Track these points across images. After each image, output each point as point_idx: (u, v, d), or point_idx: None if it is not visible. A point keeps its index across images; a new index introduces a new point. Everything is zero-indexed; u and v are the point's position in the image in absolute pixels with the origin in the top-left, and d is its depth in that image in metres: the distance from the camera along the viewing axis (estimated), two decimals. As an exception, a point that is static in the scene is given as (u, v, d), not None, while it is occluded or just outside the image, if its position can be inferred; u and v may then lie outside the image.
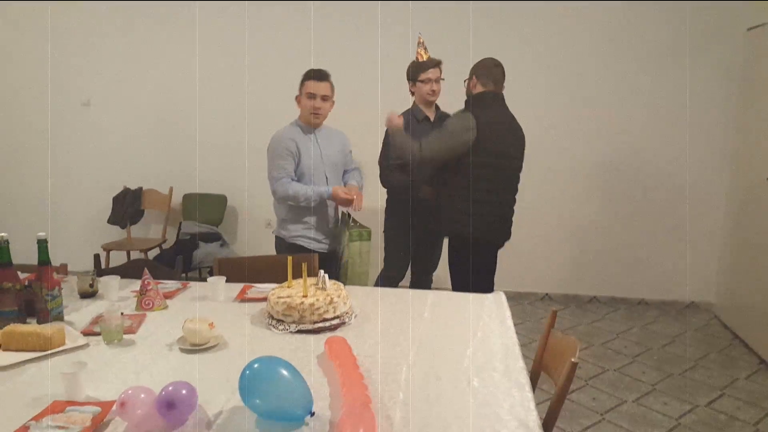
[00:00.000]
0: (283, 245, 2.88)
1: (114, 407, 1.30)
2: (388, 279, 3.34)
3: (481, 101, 2.85)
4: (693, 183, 4.26)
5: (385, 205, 3.35)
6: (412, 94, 3.22)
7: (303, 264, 1.93)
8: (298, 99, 2.79)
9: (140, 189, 4.80)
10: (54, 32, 4.79)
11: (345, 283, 2.47)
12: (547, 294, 4.59)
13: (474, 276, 2.80)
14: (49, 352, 1.65)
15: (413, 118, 3.15)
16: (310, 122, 2.78)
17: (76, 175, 4.99)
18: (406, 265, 3.37)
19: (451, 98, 3.17)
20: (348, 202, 2.72)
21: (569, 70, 4.30)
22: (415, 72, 3.13)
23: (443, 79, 3.16)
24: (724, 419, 2.83)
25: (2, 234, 1.84)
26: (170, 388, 1.28)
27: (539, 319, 4.14)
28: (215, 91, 4.73)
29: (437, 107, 3.26)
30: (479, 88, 2.87)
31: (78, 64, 4.83)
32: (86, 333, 1.80)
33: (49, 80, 4.86)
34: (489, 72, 2.85)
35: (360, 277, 2.80)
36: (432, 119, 3.20)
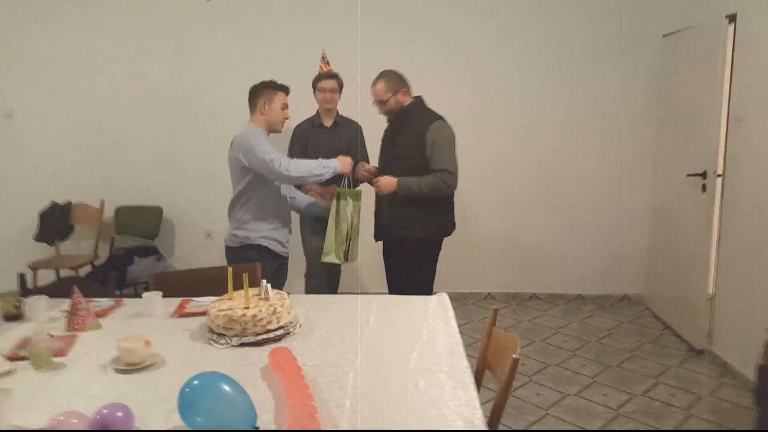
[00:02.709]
0: (245, 248, 2.79)
1: (43, 435, 1.22)
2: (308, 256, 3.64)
3: (424, 107, 3.01)
4: (619, 181, 4.46)
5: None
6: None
7: (244, 274, 1.89)
8: (260, 105, 2.81)
9: (69, 203, 4.57)
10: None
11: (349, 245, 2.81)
12: (489, 293, 4.68)
13: (414, 278, 2.90)
14: (-31, 380, 1.54)
15: (312, 124, 3.63)
16: (276, 130, 2.89)
17: (-3, 191, 4.69)
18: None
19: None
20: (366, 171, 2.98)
21: (495, 78, 4.43)
22: (315, 82, 3.57)
23: (338, 91, 3.56)
24: (659, 406, 2.97)
25: None
26: (104, 411, 1.22)
27: (483, 318, 4.22)
28: (145, 98, 4.56)
29: (337, 113, 3.66)
30: (409, 98, 3.01)
31: (-3, 72, 4.56)
32: (12, 358, 1.69)
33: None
34: (403, 79, 3.02)
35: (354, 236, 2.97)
36: (329, 125, 3.61)
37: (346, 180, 2.96)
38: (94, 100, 4.56)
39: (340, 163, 2.79)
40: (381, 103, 2.99)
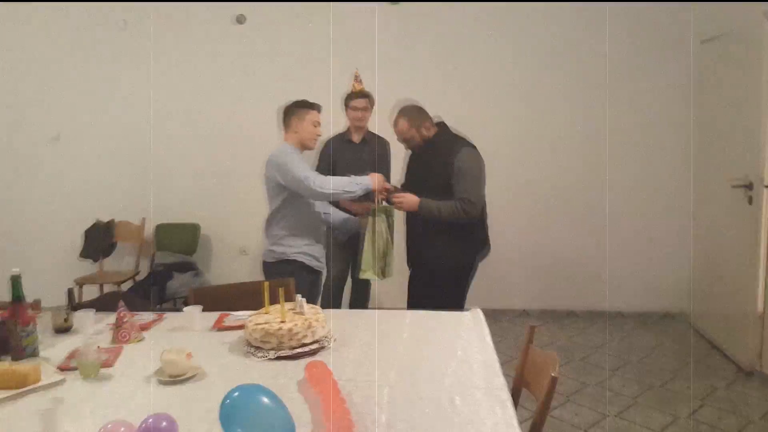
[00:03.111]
0: (282, 263, 2.86)
1: (91, 443, 1.27)
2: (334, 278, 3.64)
3: (449, 134, 3.02)
4: (662, 195, 4.37)
5: None
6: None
7: (280, 289, 1.92)
8: (294, 123, 2.91)
9: (112, 221, 4.73)
10: (20, 65, 4.74)
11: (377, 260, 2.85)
12: (524, 310, 4.62)
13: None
14: (25, 389, 1.60)
15: (341, 140, 3.70)
16: (309, 147, 2.97)
17: (46, 209, 4.89)
18: (346, 266, 3.71)
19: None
20: (383, 189, 2.92)
21: (528, 87, 4.42)
22: (347, 100, 3.65)
23: (369, 109, 3.61)
24: (706, 429, 2.86)
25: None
26: (150, 421, 1.26)
27: (517, 335, 4.16)
28: (185, 119, 4.73)
29: (368, 131, 3.71)
30: (432, 128, 3.01)
31: (45, 98, 4.77)
32: (63, 368, 1.76)
33: (13, 115, 4.80)
34: (423, 111, 3.03)
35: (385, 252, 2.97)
36: (357, 141, 3.67)
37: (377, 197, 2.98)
38: (136, 123, 4.74)
39: (373, 180, 2.83)
40: (406, 140, 3.01)
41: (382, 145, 3.73)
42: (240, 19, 4.48)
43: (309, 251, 2.90)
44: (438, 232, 2.95)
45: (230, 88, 4.66)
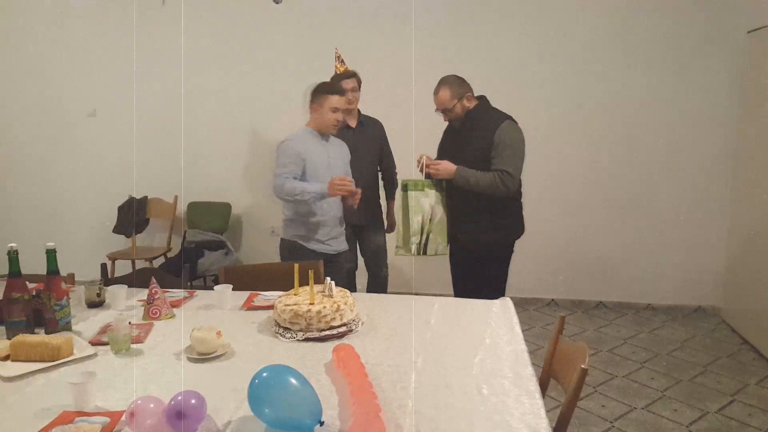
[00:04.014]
0: (285, 246, 3.01)
1: (123, 417, 1.29)
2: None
3: (490, 108, 2.92)
4: (698, 187, 4.24)
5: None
6: None
7: (310, 271, 1.92)
8: (314, 108, 2.94)
9: (145, 198, 4.81)
10: (57, 41, 4.82)
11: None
12: (553, 299, 4.56)
13: (485, 284, 2.82)
14: (58, 362, 1.65)
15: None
16: (329, 132, 2.98)
17: (81, 185, 5.01)
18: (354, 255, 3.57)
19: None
20: (345, 192, 2.75)
21: (569, 74, 4.30)
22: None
23: (357, 89, 3.41)
24: (735, 426, 2.81)
25: (12, 245, 1.85)
26: (179, 397, 1.27)
27: (545, 325, 4.12)
28: (219, 100, 4.75)
29: (359, 113, 3.51)
30: (473, 101, 2.93)
31: (83, 75, 4.86)
32: (94, 343, 1.80)
33: (51, 90, 4.89)
34: (465, 83, 2.93)
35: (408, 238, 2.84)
36: (354, 126, 3.46)
37: (423, 172, 2.86)
38: (171, 101, 4.77)
39: (328, 186, 2.71)
40: (447, 111, 2.91)
41: (379, 127, 3.60)
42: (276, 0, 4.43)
43: (310, 235, 2.93)
44: (477, 210, 2.87)
45: (265, 68, 4.65)
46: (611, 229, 4.41)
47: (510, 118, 2.87)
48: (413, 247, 2.86)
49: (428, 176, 2.87)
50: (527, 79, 4.33)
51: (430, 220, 2.85)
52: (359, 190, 2.81)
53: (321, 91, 2.92)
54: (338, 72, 3.51)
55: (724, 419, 2.87)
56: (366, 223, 3.53)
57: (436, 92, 2.93)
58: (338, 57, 3.54)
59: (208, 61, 4.71)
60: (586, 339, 3.88)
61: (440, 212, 2.88)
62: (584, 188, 4.40)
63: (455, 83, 2.89)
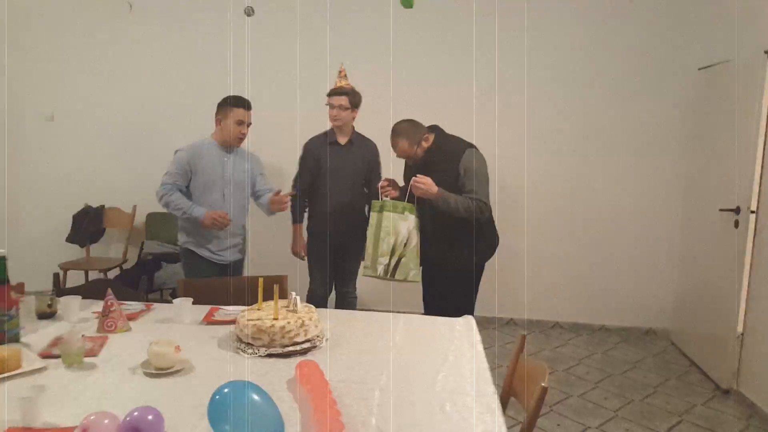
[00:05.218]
0: (182, 253, 3.13)
1: (74, 434, 1.24)
2: (313, 295, 3.45)
3: (447, 138, 2.95)
4: (650, 215, 4.40)
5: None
6: None
7: (275, 286, 1.90)
8: (219, 119, 3.04)
9: (102, 207, 4.67)
10: (15, 45, 4.67)
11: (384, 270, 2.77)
12: (511, 319, 4.63)
13: (454, 304, 2.83)
14: (4, 375, 1.57)
15: (325, 140, 3.42)
16: (233, 144, 3.05)
17: (34, 192, 4.82)
18: (329, 280, 3.52)
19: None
20: (218, 228, 2.97)
21: (525, 105, 4.41)
22: (328, 96, 3.38)
23: (349, 108, 3.33)
24: (683, 445, 2.90)
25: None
26: (135, 413, 1.23)
27: (505, 344, 4.17)
28: (180, 108, 4.67)
29: (353, 131, 3.45)
30: (430, 137, 2.91)
31: (39, 78, 4.71)
32: (44, 356, 1.72)
33: (6, 93, 4.72)
34: (420, 125, 2.93)
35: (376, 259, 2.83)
36: (343, 143, 3.40)
37: (408, 193, 2.84)
38: (130, 109, 4.68)
39: (205, 216, 2.90)
40: (408, 158, 2.94)
41: (370, 148, 3.49)
42: (248, 11, 4.41)
43: (202, 242, 3.03)
44: (453, 233, 2.86)
45: (228, 78, 4.61)
46: (568, 253, 4.53)
47: (471, 145, 2.90)
48: (380, 269, 2.82)
49: (410, 198, 2.85)
50: (485, 107, 4.42)
51: (405, 244, 2.81)
52: (229, 222, 2.96)
53: (226, 102, 2.98)
54: (335, 87, 3.40)
55: (673, 439, 2.95)
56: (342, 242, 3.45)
57: (393, 144, 2.91)
58: (340, 72, 3.44)
59: (171, 70, 4.64)
60: (543, 358, 3.95)
61: (416, 238, 2.84)
62: (540, 213, 4.51)
63: (410, 130, 2.86)
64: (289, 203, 3.10)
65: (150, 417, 1.23)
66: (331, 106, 3.33)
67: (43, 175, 4.80)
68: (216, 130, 3.05)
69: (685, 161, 4.27)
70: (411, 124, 2.89)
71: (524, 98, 4.41)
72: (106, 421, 1.23)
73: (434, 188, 2.75)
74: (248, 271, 3.41)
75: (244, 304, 2.13)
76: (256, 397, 1.27)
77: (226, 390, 1.27)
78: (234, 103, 2.96)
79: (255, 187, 3.21)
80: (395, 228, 2.81)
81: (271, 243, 4.22)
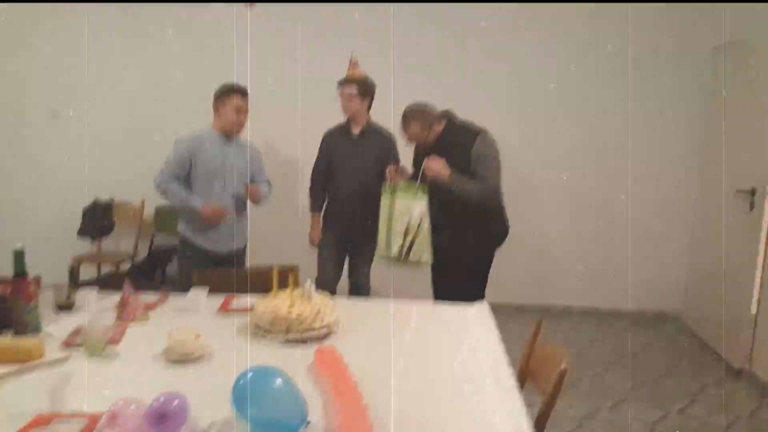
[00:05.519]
0: (180, 241, 3.16)
1: (102, 420, 1.26)
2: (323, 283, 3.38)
3: (459, 125, 2.92)
4: (662, 196, 4.40)
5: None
6: None
7: (290, 274, 1.92)
8: (217, 108, 3.03)
9: (111, 201, 4.70)
10: (21, 42, 4.67)
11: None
12: (521, 305, 4.64)
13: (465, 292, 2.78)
14: (29, 364, 1.59)
15: (340, 132, 3.42)
16: (231, 132, 3.05)
17: (44, 187, 4.85)
18: (339, 267, 3.55)
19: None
20: (215, 222, 3.02)
21: (543, 86, 4.40)
22: (338, 86, 3.33)
23: (359, 97, 3.28)
24: (696, 425, 2.91)
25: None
26: (161, 399, 1.25)
27: (512, 329, 4.17)
28: (188, 101, 4.67)
29: (370, 122, 3.38)
30: (442, 122, 2.89)
31: (46, 74, 4.72)
32: (67, 345, 1.75)
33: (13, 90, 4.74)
34: (431, 109, 2.88)
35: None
36: (356, 133, 3.36)
37: (420, 175, 2.81)
38: (138, 103, 4.68)
39: (203, 208, 2.95)
40: (419, 143, 2.91)
41: (385, 139, 3.40)
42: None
43: (199, 232, 3.06)
44: (463, 219, 2.84)
45: (239, 70, 4.60)
46: (577, 237, 4.53)
47: (484, 130, 2.86)
48: (394, 250, 2.80)
49: (422, 180, 2.82)
50: (498, 88, 4.42)
51: (418, 226, 2.79)
52: (226, 216, 3.02)
53: (223, 91, 2.98)
54: (347, 75, 3.36)
55: (685, 418, 2.97)
56: (355, 234, 3.44)
57: (404, 128, 2.87)
58: (351, 60, 3.38)
59: (179, 63, 4.63)
60: (553, 342, 3.94)
61: (428, 221, 2.81)
62: (551, 195, 4.51)
63: (422, 114, 2.83)
64: (262, 198, 3.18)
65: (176, 402, 1.25)
66: (341, 96, 3.30)
67: (53, 170, 4.81)
68: (215, 119, 3.05)
69: (700, 142, 4.24)
70: (421, 107, 2.86)
71: (536, 81, 4.40)
72: (132, 407, 1.24)
73: (447, 171, 2.73)
74: (250, 260, 3.38)
75: (256, 294, 2.14)
76: (279, 381, 1.29)
77: (249, 375, 1.28)
78: (230, 91, 2.96)
79: (253, 177, 3.20)
80: (408, 210, 2.79)
81: (272, 233, 4.24)
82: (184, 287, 2.41)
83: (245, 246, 3.28)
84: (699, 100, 4.22)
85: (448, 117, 2.94)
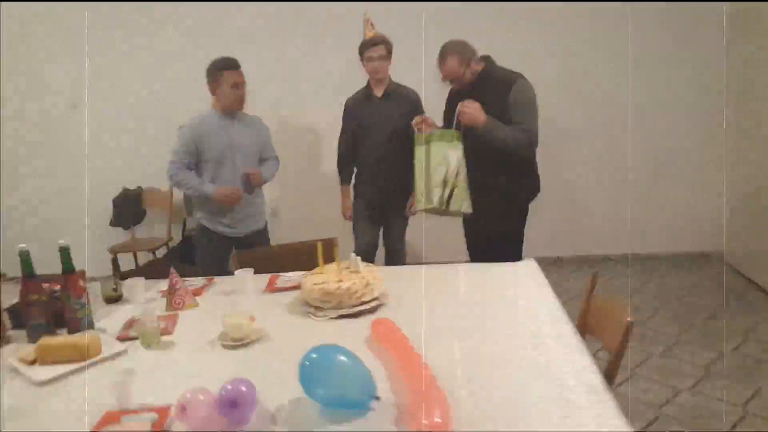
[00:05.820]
0: (197, 228, 3.09)
1: (173, 412, 1.26)
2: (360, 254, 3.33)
3: (498, 68, 2.79)
4: (696, 134, 4.26)
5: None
6: None
7: (334, 248, 1.89)
8: (213, 87, 2.89)
9: (140, 189, 4.71)
10: (39, 31, 4.61)
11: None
12: (558, 257, 4.58)
13: (502, 248, 2.69)
14: (88, 362, 1.60)
15: (363, 96, 3.29)
16: (233, 109, 2.91)
17: (70, 180, 4.86)
18: (375, 234, 3.46)
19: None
20: (230, 203, 2.92)
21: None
22: (361, 50, 3.18)
23: (388, 56, 3.16)
24: (751, 362, 2.86)
25: (22, 246, 1.78)
26: (229, 386, 1.24)
27: (554, 282, 4.13)
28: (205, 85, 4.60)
29: (392, 82, 3.27)
30: (480, 63, 2.77)
31: (63, 66, 4.66)
32: (122, 339, 1.75)
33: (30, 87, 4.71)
34: (471, 46, 2.76)
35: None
36: (380, 95, 3.24)
37: (455, 121, 2.69)
38: (158, 88, 4.63)
39: (217, 192, 2.86)
40: (455, 79, 2.76)
41: (409, 98, 3.28)
42: None
43: (215, 218, 2.98)
44: (497, 169, 2.73)
45: (256, 59, 4.49)
46: (612, 183, 4.42)
47: (521, 76, 2.73)
48: (435, 199, 2.68)
49: (457, 127, 2.69)
50: (536, 35, 4.28)
51: (457, 174, 2.68)
52: (241, 197, 2.92)
53: (215, 67, 2.84)
54: (367, 37, 3.25)
55: (740, 357, 2.92)
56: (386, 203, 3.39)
57: (442, 61, 2.74)
58: (367, 21, 3.25)
59: (201, 48, 4.53)
60: (596, 292, 3.91)
61: (465, 169, 2.70)
62: (585, 144, 4.40)
63: (461, 48, 2.71)
64: (266, 179, 3.08)
65: (244, 388, 1.24)
66: (370, 59, 3.14)
67: (75, 163, 4.80)
68: (213, 99, 2.93)
69: (734, 75, 4.06)
70: (461, 42, 2.74)
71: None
72: (201, 397, 1.24)
73: (483, 115, 2.60)
74: (273, 238, 3.33)
75: (299, 270, 2.12)
76: (344, 358, 1.27)
77: (314, 354, 1.27)
78: (222, 66, 2.81)
79: (261, 153, 3.12)
80: (445, 158, 2.68)
81: (293, 209, 4.21)
82: (207, 276, 2.38)
83: (265, 225, 3.20)
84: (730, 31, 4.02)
85: (487, 59, 2.80)
